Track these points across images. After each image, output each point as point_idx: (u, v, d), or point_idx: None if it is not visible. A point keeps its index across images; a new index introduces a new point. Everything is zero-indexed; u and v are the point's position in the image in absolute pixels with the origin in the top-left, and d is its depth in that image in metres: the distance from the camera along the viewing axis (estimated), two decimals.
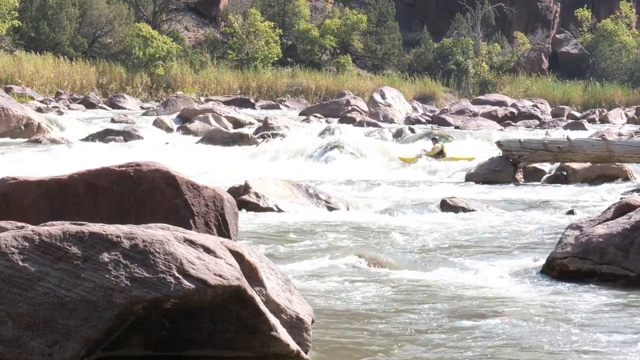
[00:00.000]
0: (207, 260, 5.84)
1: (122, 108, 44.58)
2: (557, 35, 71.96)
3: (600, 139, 22.79)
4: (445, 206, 15.44)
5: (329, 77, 59.16)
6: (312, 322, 6.50)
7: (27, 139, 28.97)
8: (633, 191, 17.52)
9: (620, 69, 67.84)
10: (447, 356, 6.63)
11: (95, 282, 5.59)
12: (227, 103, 45.84)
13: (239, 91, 54.84)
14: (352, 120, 39.31)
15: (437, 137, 26.74)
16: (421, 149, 25.44)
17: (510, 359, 6.62)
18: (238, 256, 6.11)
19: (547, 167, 21.83)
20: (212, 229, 9.07)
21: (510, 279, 9.64)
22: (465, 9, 67.15)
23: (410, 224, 13.84)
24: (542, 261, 10.02)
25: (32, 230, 5.82)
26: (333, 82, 57.77)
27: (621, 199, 12.72)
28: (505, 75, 65.95)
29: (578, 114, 51.00)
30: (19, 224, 6.34)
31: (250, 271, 6.14)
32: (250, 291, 5.92)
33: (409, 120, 42.73)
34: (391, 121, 42.22)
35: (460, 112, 45.02)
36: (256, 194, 15.11)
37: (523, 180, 20.97)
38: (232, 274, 5.84)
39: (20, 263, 5.62)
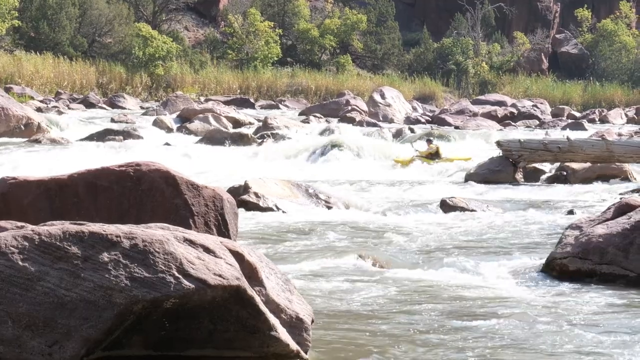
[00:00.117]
0: (207, 260, 5.84)
1: (122, 108, 44.57)
2: (557, 35, 71.97)
3: (600, 139, 22.80)
4: (445, 206, 15.44)
5: (329, 77, 59.16)
6: (312, 322, 6.50)
7: (26, 139, 28.95)
8: (633, 191, 17.51)
9: (620, 69, 67.84)
10: (446, 357, 6.63)
11: (95, 282, 5.59)
12: (226, 103, 45.83)
13: (238, 91, 54.83)
14: (351, 120, 39.32)
15: (431, 138, 26.49)
16: (415, 151, 25.27)
17: (511, 359, 6.62)
18: (238, 256, 6.11)
19: (547, 167, 21.84)
20: (212, 228, 9.06)
21: (510, 279, 9.64)
22: (465, 9, 67.15)
23: (410, 224, 13.85)
24: (542, 261, 10.02)
25: (32, 230, 5.82)
26: (333, 82, 57.77)
27: (621, 199, 12.73)
28: (505, 75, 65.95)
29: (578, 114, 51.00)
30: (19, 223, 6.34)
31: (250, 271, 6.14)
32: (250, 291, 5.92)
33: (409, 120, 42.73)
34: (391, 121, 42.21)
35: (460, 112, 45.01)
36: (256, 194, 15.11)
37: (523, 180, 20.98)
38: (232, 274, 5.84)
39: (20, 263, 5.62)
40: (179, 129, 33.79)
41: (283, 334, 6.10)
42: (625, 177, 20.82)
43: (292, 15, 63.85)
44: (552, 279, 9.57)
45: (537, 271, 9.85)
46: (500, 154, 21.33)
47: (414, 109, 48.86)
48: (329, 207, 15.40)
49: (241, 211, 12.68)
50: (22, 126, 30.54)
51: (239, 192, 14.96)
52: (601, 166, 20.90)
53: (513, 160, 21.04)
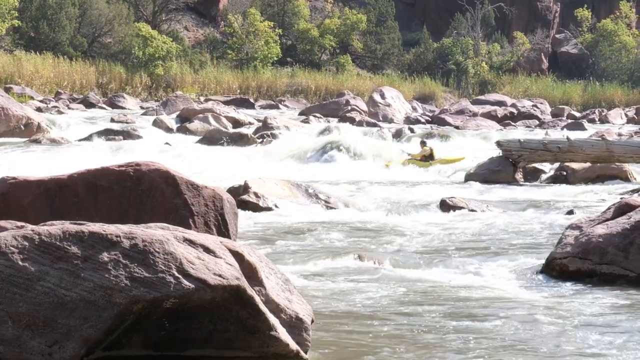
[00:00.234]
0: (207, 260, 5.84)
1: (122, 108, 44.57)
2: (557, 35, 71.97)
3: (600, 139, 22.81)
4: (445, 206, 15.44)
5: (329, 77, 59.16)
6: (312, 322, 6.49)
7: (26, 139, 28.95)
8: (633, 191, 17.52)
9: (620, 69, 67.85)
10: (446, 357, 6.63)
11: (95, 282, 5.59)
12: (226, 103, 45.84)
13: (238, 91, 54.83)
14: (351, 120, 39.32)
15: (425, 140, 26.32)
16: (407, 154, 25.15)
17: None
18: (238, 256, 6.11)
19: (547, 167, 21.84)
20: (212, 228, 9.06)
21: (510, 279, 9.63)
22: (465, 9, 67.16)
23: (410, 224, 13.84)
24: (542, 261, 10.02)
25: (32, 230, 5.82)
26: (332, 82, 57.77)
27: (621, 199, 12.73)
28: (504, 75, 65.96)
29: (578, 114, 51.00)
30: (19, 223, 6.34)
31: (249, 271, 6.14)
32: (250, 291, 5.92)
33: (409, 120, 42.75)
34: (391, 121, 42.23)
35: (460, 112, 45.02)
36: (256, 194, 15.11)
37: (523, 180, 20.98)
38: (232, 274, 5.84)
39: (20, 263, 5.62)
40: (178, 129, 33.80)
41: (283, 333, 6.09)
42: (625, 177, 20.82)
43: (292, 15, 63.85)
44: (552, 279, 9.57)
45: (537, 271, 9.84)
46: (500, 154, 21.33)
47: (414, 109, 48.87)
48: (329, 207, 15.40)
49: (241, 211, 12.68)
50: (22, 126, 30.55)
51: (239, 192, 14.96)
52: (601, 166, 20.90)
53: (513, 160, 21.04)
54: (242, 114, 38.57)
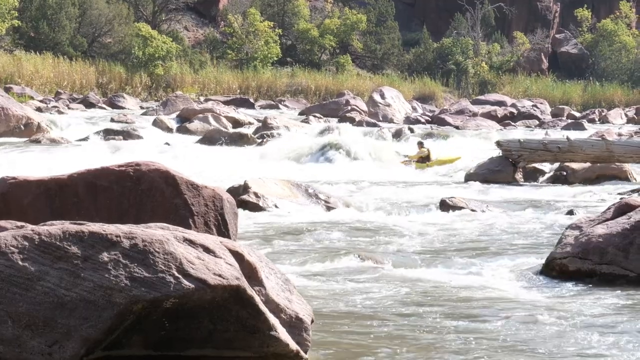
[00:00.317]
0: (207, 260, 5.84)
1: (122, 108, 44.58)
2: (557, 35, 71.97)
3: (600, 139, 22.81)
4: (445, 206, 15.43)
5: (329, 77, 59.16)
6: (312, 322, 6.49)
7: (26, 139, 28.97)
8: (633, 191, 17.52)
9: (620, 69, 67.85)
10: (445, 357, 6.62)
11: (94, 282, 5.59)
12: (226, 103, 45.85)
13: (238, 91, 54.84)
14: (351, 120, 39.34)
15: (422, 141, 26.24)
16: (404, 155, 25.08)
17: None
18: (237, 256, 6.10)
19: (547, 167, 21.84)
20: (212, 228, 9.06)
21: (509, 279, 9.63)
22: (465, 9, 67.15)
23: (410, 224, 13.84)
24: (542, 261, 10.01)
25: (32, 230, 5.82)
26: (332, 82, 57.77)
27: (621, 199, 12.73)
28: (504, 75, 65.96)
29: (578, 114, 51.01)
30: (19, 223, 6.33)
31: (249, 271, 6.14)
32: (250, 291, 5.92)
33: (409, 120, 42.75)
34: (390, 121, 42.25)
35: (460, 112, 45.03)
36: (255, 194, 15.10)
37: (523, 180, 20.98)
38: (232, 274, 5.84)
39: (20, 262, 5.61)
40: (178, 129, 33.82)
41: (283, 333, 6.09)
42: (625, 177, 20.82)
43: (291, 15, 63.85)
44: (551, 279, 9.57)
45: (536, 271, 9.84)
46: (500, 154, 21.33)
47: (414, 109, 48.89)
48: (329, 207, 15.39)
49: (241, 211, 12.68)
50: (22, 126, 30.56)
51: (239, 192, 14.96)
52: (601, 166, 20.90)
53: (513, 160, 21.04)
54: (242, 114, 38.58)
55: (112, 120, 36.54)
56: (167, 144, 28.48)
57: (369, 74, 63.42)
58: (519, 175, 21.01)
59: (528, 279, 9.63)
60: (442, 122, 41.90)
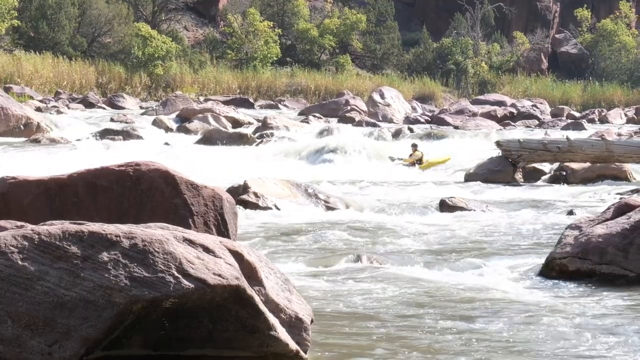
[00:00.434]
0: (207, 260, 5.84)
1: (122, 108, 44.58)
2: (557, 35, 71.98)
3: (599, 139, 22.81)
4: (445, 206, 15.43)
5: (328, 76, 59.16)
6: (312, 321, 6.49)
7: (26, 139, 28.98)
8: (632, 191, 17.52)
9: (620, 69, 67.85)
10: (445, 357, 6.62)
11: (94, 282, 5.59)
12: (226, 103, 45.85)
13: (238, 91, 54.83)
14: (351, 120, 39.35)
15: (416, 144, 26.12)
16: (397, 158, 25.04)
17: None
18: (237, 256, 6.10)
19: (547, 167, 21.84)
20: (212, 228, 9.06)
21: (509, 279, 9.63)
22: (464, 9, 67.15)
23: (409, 224, 13.84)
24: (542, 261, 10.01)
25: (32, 230, 5.81)
26: (332, 82, 57.77)
27: (620, 199, 12.73)
28: (504, 75, 65.95)
29: (577, 114, 51.00)
30: (19, 223, 6.33)
31: (249, 271, 6.14)
32: (250, 291, 5.92)
33: (408, 120, 42.75)
34: (390, 121, 42.25)
35: (460, 112, 45.02)
36: (255, 194, 15.10)
37: (522, 180, 20.97)
38: (232, 274, 5.84)
39: (20, 262, 5.61)
40: (178, 129, 33.82)
41: (282, 333, 6.09)
42: (625, 177, 20.83)
43: (291, 15, 63.84)
44: (551, 279, 9.57)
45: (536, 271, 9.84)
46: (500, 154, 21.33)
47: (414, 108, 48.89)
48: (329, 207, 15.39)
49: (240, 211, 12.68)
50: (21, 126, 30.57)
51: (239, 192, 14.96)
52: (601, 166, 20.90)
53: (512, 160, 21.04)
54: (241, 114, 38.58)
55: (112, 120, 36.55)
56: (167, 143, 28.47)
57: (369, 74, 63.42)
58: (518, 175, 21.01)
59: (528, 279, 9.63)
60: (442, 122, 41.90)
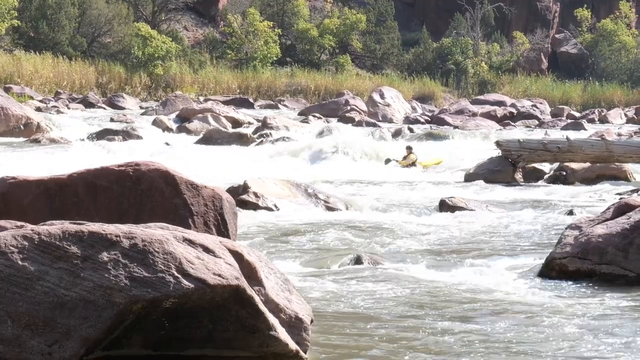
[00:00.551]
0: (206, 260, 5.84)
1: (121, 108, 44.58)
2: (557, 35, 71.97)
3: (599, 139, 22.80)
4: (444, 206, 15.43)
5: (328, 76, 59.15)
6: (311, 321, 6.50)
7: (26, 139, 28.99)
8: (632, 191, 17.52)
9: (620, 69, 67.84)
10: (445, 357, 6.62)
11: (94, 282, 5.59)
12: (226, 103, 45.85)
13: (238, 91, 54.82)
14: (351, 120, 39.35)
15: (411, 146, 26.02)
16: (393, 160, 25.00)
17: None
18: (237, 256, 6.11)
19: (547, 167, 21.83)
20: (211, 228, 9.06)
21: (509, 279, 9.63)
22: (464, 9, 67.13)
23: (409, 224, 13.84)
24: (542, 261, 10.01)
25: (32, 230, 5.82)
26: (332, 82, 57.76)
27: (620, 199, 12.73)
28: (504, 75, 65.94)
29: (577, 114, 51.00)
30: (19, 223, 6.34)
31: (249, 271, 6.14)
32: (250, 291, 5.92)
33: (408, 120, 42.76)
34: (390, 121, 42.25)
35: (460, 112, 45.02)
36: (255, 194, 15.10)
37: (522, 180, 20.97)
38: (231, 274, 5.84)
39: (20, 262, 5.62)
40: (178, 129, 33.82)
41: (282, 333, 6.10)
42: (625, 177, 20.83)
43: (291, 15, 63.83)
44: (551, 279, 9.56)
45: (536, 271, 9.84)
46: (500, 154, 21.33)
47: (413, 108, 48.88)
48: (329, 207, 15.39)
49: (240, 211, 12.68)
50: (21, 126, 30.57)
51: (238, 192, 14.95)
52: (601, 166, 20.90)
53: (512, 160, 21.03)
54: (241, 114, 38.58)
55: (112, 120, 36.55)
56: (167, 143, 28.47)
57: (369, 74, 63.41)
58: (518, 175, 21.01)
59: (528, 279, 9.63)
60: (442, 122, 41.90)
